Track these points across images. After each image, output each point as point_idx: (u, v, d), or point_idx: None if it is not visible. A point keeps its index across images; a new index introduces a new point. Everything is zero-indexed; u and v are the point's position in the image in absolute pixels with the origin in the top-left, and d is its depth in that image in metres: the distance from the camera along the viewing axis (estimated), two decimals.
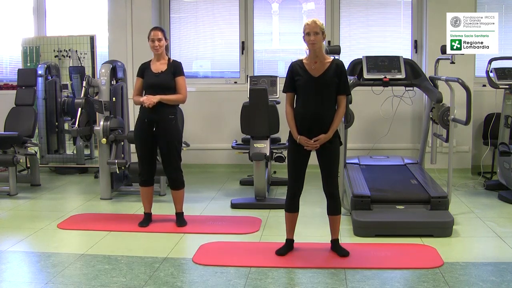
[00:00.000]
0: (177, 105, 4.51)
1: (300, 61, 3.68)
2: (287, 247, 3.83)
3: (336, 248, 3.80)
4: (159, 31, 4.43)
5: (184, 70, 4.53)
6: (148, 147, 4.48)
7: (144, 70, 4.48)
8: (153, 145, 4.51)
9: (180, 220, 4.57)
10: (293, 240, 3.87)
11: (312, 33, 3.54)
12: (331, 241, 3.85)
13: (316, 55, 3.61)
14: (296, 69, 3.66)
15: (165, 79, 4.39)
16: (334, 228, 3.82)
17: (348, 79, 3.73)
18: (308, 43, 3.59)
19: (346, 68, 3.89)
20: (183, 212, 4.62)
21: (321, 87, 3.60)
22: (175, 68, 4.45)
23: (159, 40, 4.38)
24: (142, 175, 4.56)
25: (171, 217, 4.68)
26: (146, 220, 4.57)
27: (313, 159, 3.71)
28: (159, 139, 4.44)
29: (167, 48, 4.55)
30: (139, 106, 4.48)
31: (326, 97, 3.62)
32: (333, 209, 3.78)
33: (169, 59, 4.49)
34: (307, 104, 3.62)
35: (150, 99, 4.31)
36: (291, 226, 3.85)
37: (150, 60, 4.52)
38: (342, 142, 3.84)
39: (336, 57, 3.79)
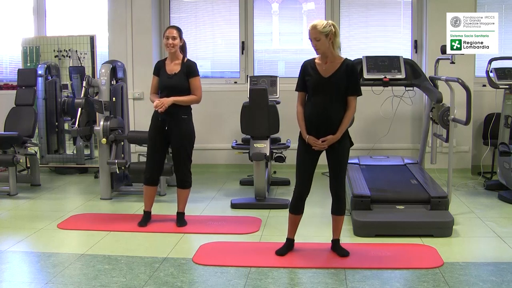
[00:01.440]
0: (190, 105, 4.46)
1: (313, 60, 3.66)
2: (287, 247, 3.82)
3: (336, 248, 3.80)
4: (174, 29, 4.38)
5: None
6: (158, 146, 4.46)
7: (159, 69, 4.45)
8: (164, 146, 4.49)
9: (180, 220, 4.56)
10: (294, 240, 3.86)
11: (313, 39, 3.52)
12: (331, 241, 3.84)
13: (326, 56, 3.59)
14: (307, 68, 3.65)
15: (178, 81, 4.34)
16: (337, 228, 3.81)
17: None
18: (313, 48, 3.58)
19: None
20: (184, 213, 4.61)
21: (331, 88, 3.57)
22: (189, 69, 4.39)
23: (174, 38, 4.33)
24: (147, 173, 4.53)
25: (171, 217, 4.68)
26: (145, 219, 4.56)
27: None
28: (172, 138, 4.43)
29: (184, 49, 4.46)
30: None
31: (335, 98, 3.59)
32: (337, 209, 3.76)
33: (183, 58, 4.43)
34: (317, 104, 3.60)
35: (163, 103, 4.26)
36: (293, 227, 3.83)
37: (166, 58, 4.49)
38: (353, 143, 3.80)
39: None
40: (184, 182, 4.53)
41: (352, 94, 3.61)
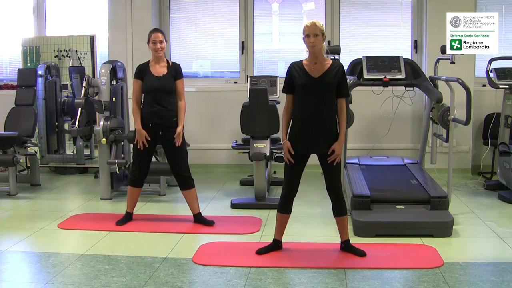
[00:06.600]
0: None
1: (300, 62, 3.66)
2: (272, 247, 3.81)
3: (351, 249, 3.77)
4: (159, 33, 4.40)
5: (184, 70, 4.54)
6: (148, 150, 4.47)
7: (143, 72, 4.43)
8: (152, 149, 4.52)
9: (203, 220, 4.53)
10: (281, 242, 3.85)
11: (312, 35, 3.52)
12: (342, 242, 3.81)
13: (316, 56, 3.59)
14: (295, 70, 3.64)
15: (167, 82, 4.36)
16: (343, 229, 3.79)
17: (348, 80, 3.70)
18: (308, 45, 3.57)
19: (345, 69, 3.88)
20: (200, 212, 4.58)
21: (321, 88, 3.57)
22: (176, 71, 4.45)
23: (161, 42, 4.36)
24: (135, 175, 4.54)
25: (171, 217, 4.68)
26: (126, 219, 4.56)
27: (313, 159, 3.71)
28: (165, 142, 4.44)
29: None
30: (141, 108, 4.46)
31: (326, 98, 3.59)
32: (339, 210, 3.75)
33: (167, 61, 4.47)
34: (307, 105, 3.59)
35: (179, 137, 4.38)
36: (281, 228, 3.83)
37: (148, 62, 4.48)
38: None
39: (336, 58, 3.77)
40: (187, 183, 4.51)
41: (343, 95, 3.64)
